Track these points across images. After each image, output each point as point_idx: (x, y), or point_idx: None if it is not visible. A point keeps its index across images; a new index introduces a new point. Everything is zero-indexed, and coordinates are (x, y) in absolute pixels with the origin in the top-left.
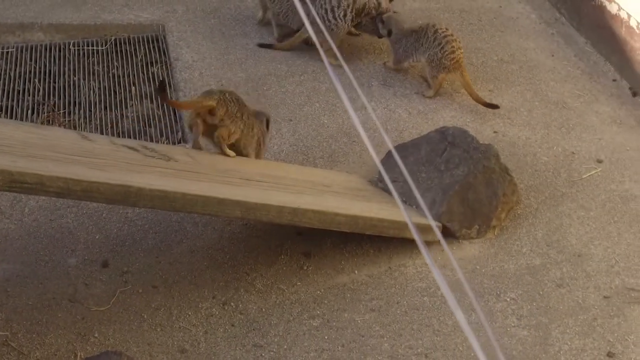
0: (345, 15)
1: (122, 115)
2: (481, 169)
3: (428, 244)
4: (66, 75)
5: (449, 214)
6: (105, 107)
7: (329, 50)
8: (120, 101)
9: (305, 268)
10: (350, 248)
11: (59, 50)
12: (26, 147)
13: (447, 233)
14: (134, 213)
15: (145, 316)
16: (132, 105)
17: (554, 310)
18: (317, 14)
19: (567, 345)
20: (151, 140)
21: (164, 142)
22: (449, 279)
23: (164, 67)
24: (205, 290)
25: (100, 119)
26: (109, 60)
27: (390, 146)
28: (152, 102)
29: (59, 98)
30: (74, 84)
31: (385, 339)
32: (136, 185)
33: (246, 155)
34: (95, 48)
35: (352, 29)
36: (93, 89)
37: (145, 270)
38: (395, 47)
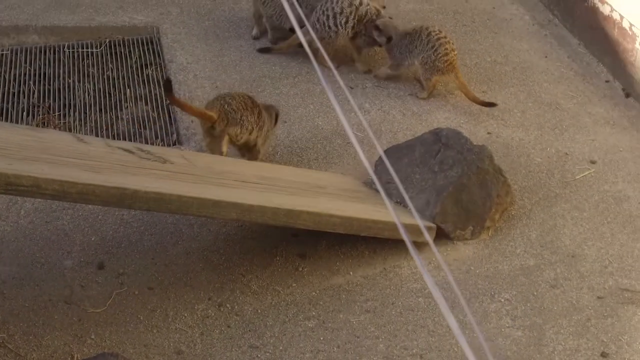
0: (346, 22)
1: (117, 117)
2: (475, 170)
3: (422, 245)
4: (61, 78)
5: (443, 215)
6: (100, 109)
7: (319, 53)
8: (115, 103)
9: (300, 269)
10: (345, 249)
11: (54, 53)
12: (22, 149)
13: (441, 234)
14: (129, 215)
15: (142, 318)
16: (127, 107)
17: (548, 311)
18: (318, 19)
19: (561, 346)
20: (146, 142)
21: (159, 144)
22: (442, 280)
23: (158, 69)
24: (201, 291)
25: (95, 121)
26: (103, 63)
27: (380, 151)
28: (146, 104)
29: (54, 100)
30: (68, 86)
31: (380, 339)
32: (132, 188)
33: (256, 151)
34: (89, 50)
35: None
36: (88, 91)
37: (141, 272)
38: (392, 52)
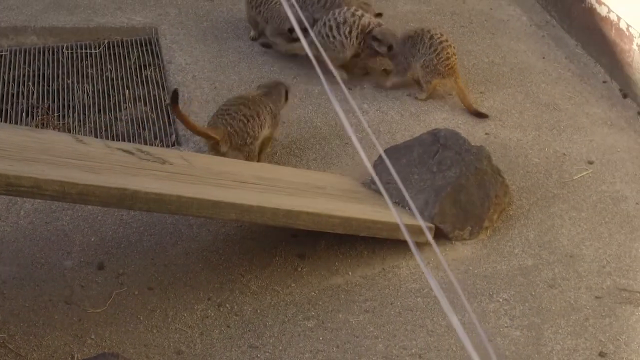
0: (350, 32)
1: (115, 118)
2: (473, 170)
3: (421, 245)
4: (60, 79)
5: (442, 215)
6: (99, 110)
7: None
8: (114, 104)
9: (299, 269)
10: (344, 250)
11: (53, 54)
12: (22, 150)
13: (439, 234)
14: (129, 215)
15: (141, 318)
16: (126, 108)
17: (546, 311)
18: (320, 32)
19: (559, 345)
20: (145, 143)
21: (158, 145)
22: (440, 280)
23: (157, 70)
24: (201, 292)
25: (94, 121)
26: (102, 63)
27: (381, 151)
28: (145, 105)
29: (53, 101)
30: (67, 87)
31: (379, 339)
32: (132, 188)
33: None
34: (88, 51)
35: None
36: (87, 92)
37: (141, 272)
38: (397, 59)
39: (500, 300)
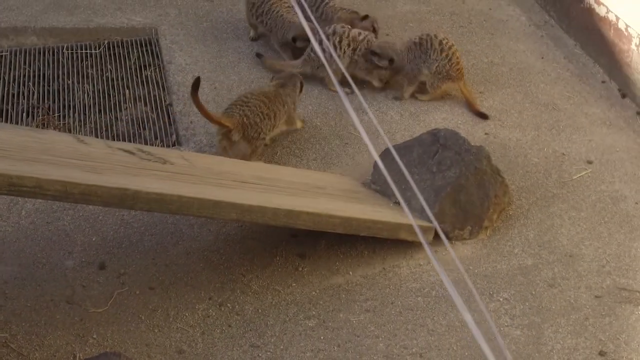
0: (340, 41)
1: (116, 118)
2: (473, 170)
3: (421, 245)
4: (60, 79)
5: (441, 215)
6: (100, 110)
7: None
8: (114, 104)
9: (300, 269)
10: (344, 249)
11: (53, 54)
12: (23, 151)
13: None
14: (130, 215)
15: (143, 317)
16: (126, 108)
17: (546, 310)
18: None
19: (559, 345)
20: (145, 143)
21: (158, 145)
22: (440, 279)
23: (157, 70)
24: (202, 291)
25: (95, 122)
26: (102, 64)
27: (389, 145)
28: (146, 105)
29: (54, 101)
30: (68, 88)
31: (380, 339)
32: (133, 188)
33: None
34: (88, 51)
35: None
36: (87, 92)
37: (142, 272)
38: (404, 70)
39: (501, 299)
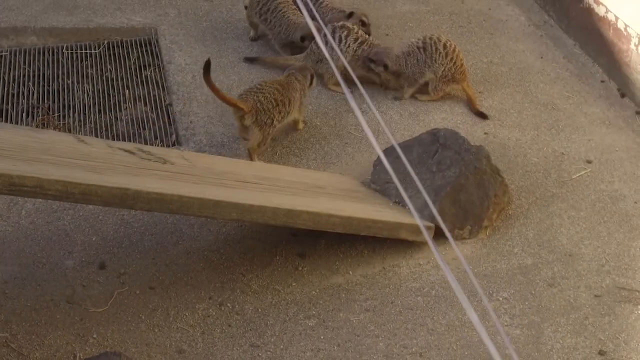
0: (347, 37)
1: (116, 118)
2: (472, 170)
3: (421, 244)
4: (60, 79)
5: (441, 214)
6: (100, 110)
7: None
8: (114, 104)
9: (300, 269)
10: (344, 249)
11: (53, 54)
12: (24, 151)
13: (439, 233)
14: (130, 215)
15: (143, 317)
16: (126, 108)
17: (546, 310)
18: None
19: (559, 344)
20: (145, 143)
21: (158, 145)
22: (440, 279)
23: (156, 70)
24: (202, 291)
25: (95, 121)
26: (102, 64)
27: (394, 142)
28: (145, 105)
29: (54, 101)
30: (67, 88)
31: (380, 338)
32: (133, 188)
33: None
34: (88, 51)
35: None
36: (87, 92)
37: (142, 271)
38: (403, 75)
39: (500, 299)
